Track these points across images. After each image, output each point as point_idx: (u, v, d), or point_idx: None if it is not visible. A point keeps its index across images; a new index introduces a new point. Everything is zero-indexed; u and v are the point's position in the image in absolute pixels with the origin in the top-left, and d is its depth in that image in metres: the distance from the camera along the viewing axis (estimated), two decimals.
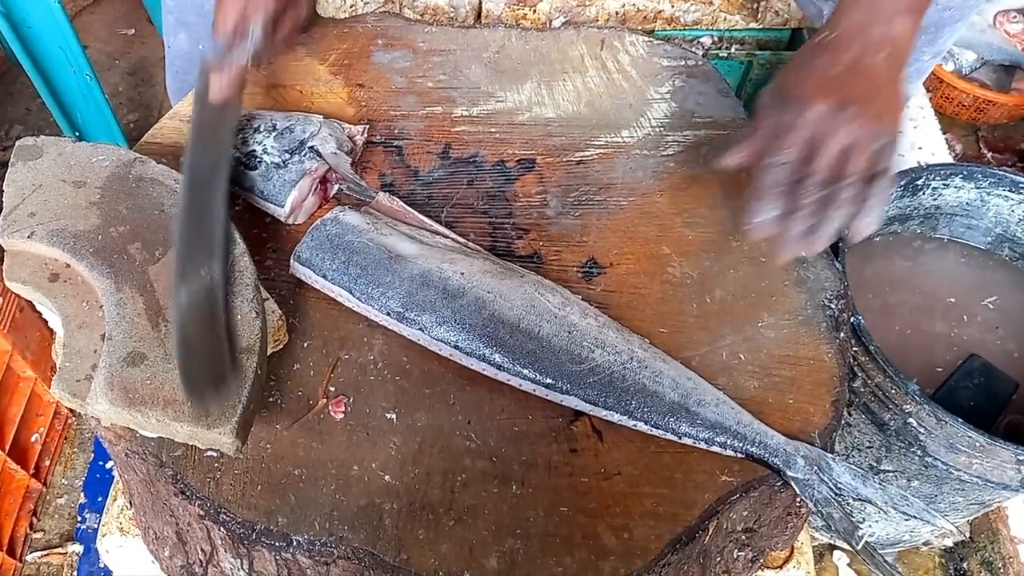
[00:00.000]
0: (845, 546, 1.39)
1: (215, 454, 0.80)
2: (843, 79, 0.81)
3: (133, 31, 2.34)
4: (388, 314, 0.86)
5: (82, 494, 1.49)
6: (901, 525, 1.26)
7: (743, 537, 0.87)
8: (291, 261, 0.90)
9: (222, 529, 0.78)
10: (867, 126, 0.79)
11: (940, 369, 1.18)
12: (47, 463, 1.52)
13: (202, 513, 0.79)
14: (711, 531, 0.79)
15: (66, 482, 1.52)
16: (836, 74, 0.81)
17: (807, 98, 0.80)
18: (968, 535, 1.43)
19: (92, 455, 1.53)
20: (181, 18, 1.32)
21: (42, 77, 1.62)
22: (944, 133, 1.84)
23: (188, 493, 0.79)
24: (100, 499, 1.46)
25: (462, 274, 0.86)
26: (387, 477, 0.80)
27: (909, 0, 0.82)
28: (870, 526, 1.29)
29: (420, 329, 0.85)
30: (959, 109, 2.11)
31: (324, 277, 0.89)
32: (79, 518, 1.46)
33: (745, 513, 0.84)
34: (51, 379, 0.78)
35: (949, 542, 1.44)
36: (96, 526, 1.39)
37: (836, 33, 0.83)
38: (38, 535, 1.46)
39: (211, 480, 0.79)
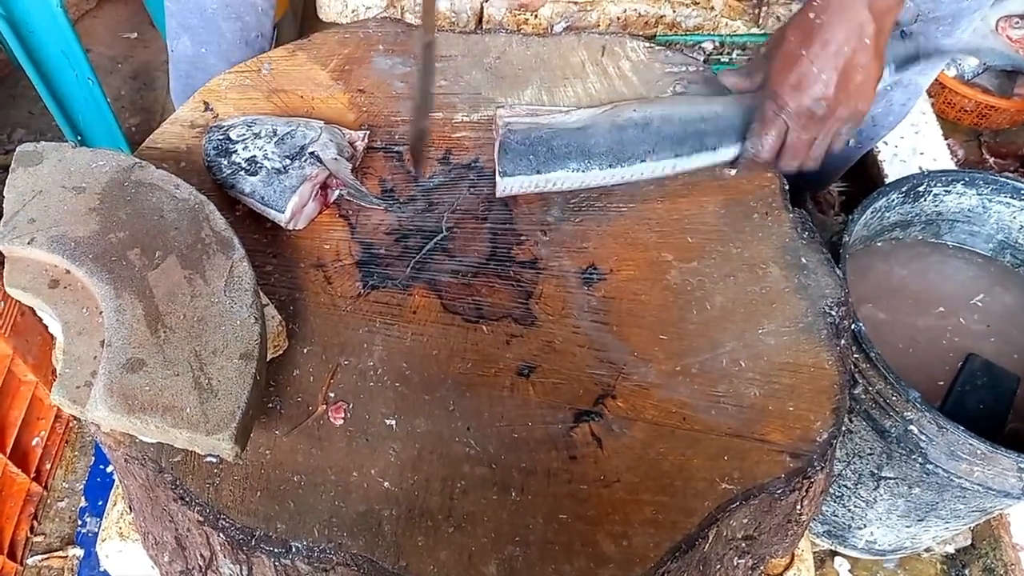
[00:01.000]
0: (846, 552, 1.39)
1: (214, 460, 0.80)
2: (824, 81, 0.88)
3: (136, 35, 2.34)
4: (609, 166, 0.97)
5: (83, 498, 1.49)
6: (902, 532, 1.26)
7: (743, 544, 0.86)
8: (499, 181, 0.98)
9: (221, 535, 0.78)
10: (834, 124, 0.91)
11: (942, 383, 1.18)
12: (48, 466, 1.52)
13: (201, 519, 0.79)
14: (711, 539, 0.79)
15: (67, 485, 1.52)
16: (819, 73, 0.88)
17: (785, 98, 0.90)
18: (970, 541, 1.43)
19: (93, 459, 1.53)
20: (184, 22, 1.32)
21: (44, 81, 1.62)
22: (946, 139, 1.84)
23: (187, 499, 0.79)
24: (100, 503, 1.46)
25: (634, 110, 1.00)
26: (386, 483, 0.79)
27: None
28: (871, 532, 1.29)
29: (640, 162, 0.98)
30: (961, 114, 2.10)
31: (539, 172, 0.97)
32: (80, 522, 1.46)
33: (745, 520, 0.83)
34: (51, 384, 0.78)
35: (951, 549, 1.43)
36: (96, 530, 1.39)
37: (823, 20, 0.87)
38: (39, 538, 1.46)
39: (210, 486, 0.79)
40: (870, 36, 0.87)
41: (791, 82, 0.90)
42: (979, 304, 1.25)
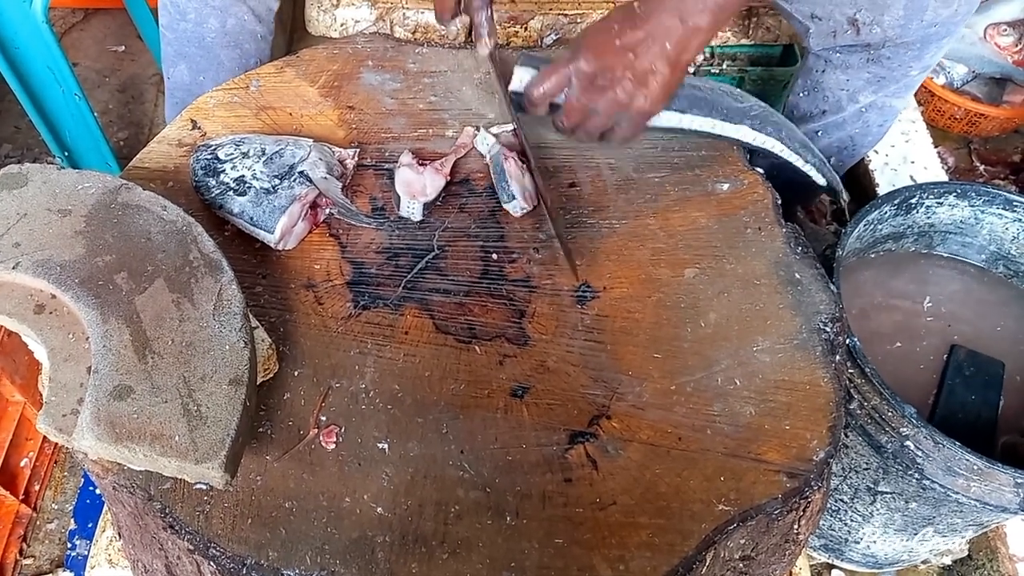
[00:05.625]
0: (843, 565, 1.38)
1: (204, 487, 0.79)
2: (619, 55, 0.90)
3: (123, 48, 2.33)
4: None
5: (72, 520, 1.47)
6: (899, 545, 1.25)
7: (740, 565, 0.85)
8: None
9: (212, 563, 0.77)
10: (614, 102, 0.92)
11: (932, 399, 1.19)
12: (37, 488, 1.50)
13: (191, 547, 0.78)
14: (708, 561, 0.78)
15: (56, 507, 1.50)
16: (619, 48, 0.90)
17: (580, 54, 0.92)
18: (967, 553, 1.42)
19: (82, 480, 1.51)
20: (181, 50, 1.31)
21: (30, 97, 1.60)
22: (936, 146, 1.84)
23: (177, 527, 0.78)
24: (90, 525, 1.44)
25: None
26: (379, 509, 0.78)
27: (716, 5, 0.89)
28: (868, 546, 1.28)
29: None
30: (951, 122, 2.11)
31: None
32: (69, 544, 1.44)
33: (742, 541, 0.83)
34: (40, 405, 0.77)
35: (948, 560, 1.43)
36: (86, 553, 1.37)
37: (642, 11, 0.90)
38: (28, 561, 1.44)
39: (200, 513, 0.78)
40: (672, 43, 0.90)
41: (592, 45, 0.91)
42: (959, 306, 1.27)
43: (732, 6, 0.92)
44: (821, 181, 1.15)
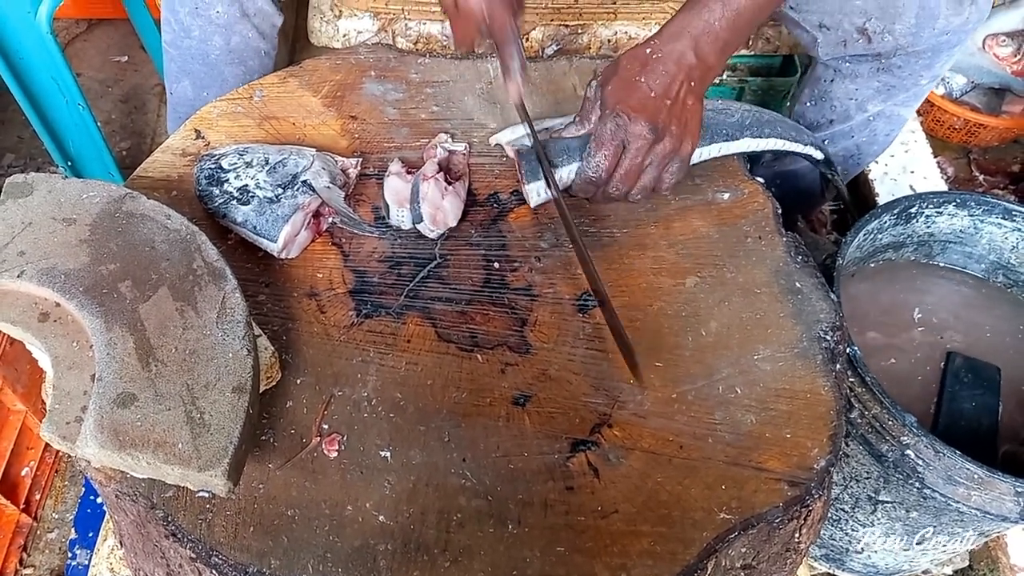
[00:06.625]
0: (844, 575, 1.38)
1: (207, 495, 0.79)
2: (660, 105, 0.91)
3: (126, 58, 2.34)
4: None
5: (73, 529, 1.47)
6: (900, 555, 1.25)
7: (742, 574, 0.85)
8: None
9: (214, 572, 0.77)
10: (667, 152, 0.93)
11: (933, 407, 1.19)
12: (37, 497, 1.50)
13: (194, 555, 0.78)
14: (710, 570, 0.78)
15: (57, 516, 1.50)
16: (656, 98, 0.91)
17: (630, 114, 0.91)
18: (967, 563, 1.42)
19: (83, 489, 1.51)
20: (184, 67, 1.32)
21: (34, 107, 1.61)
22: (936, 156, 1.85)
23: (179, 535, 0.78)
24: (91, 534, 1.44)
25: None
26: (381, 517, 0.79)
27: (724, 43, 0.93)
28: (869, 555, 1.28)
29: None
30: (950, 132, 2.11)
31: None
32: (70, 554, 1.44)
33: (744, 550, 0.83)
34: (42, 413, 0.77)
35: (949, 570, 1.43)
36: (87, 562, 1.37)
37: (660, 55, 0.92)
38: (28, 571, 1.44)
39: (203, 522, 0.78)
40: (696, 79, 0.93)
41: (632, 104, 0.91)
42: (956, 315, 1.27)
43: (742, 38, 0.94)
44: (819, 156, 1.18)
